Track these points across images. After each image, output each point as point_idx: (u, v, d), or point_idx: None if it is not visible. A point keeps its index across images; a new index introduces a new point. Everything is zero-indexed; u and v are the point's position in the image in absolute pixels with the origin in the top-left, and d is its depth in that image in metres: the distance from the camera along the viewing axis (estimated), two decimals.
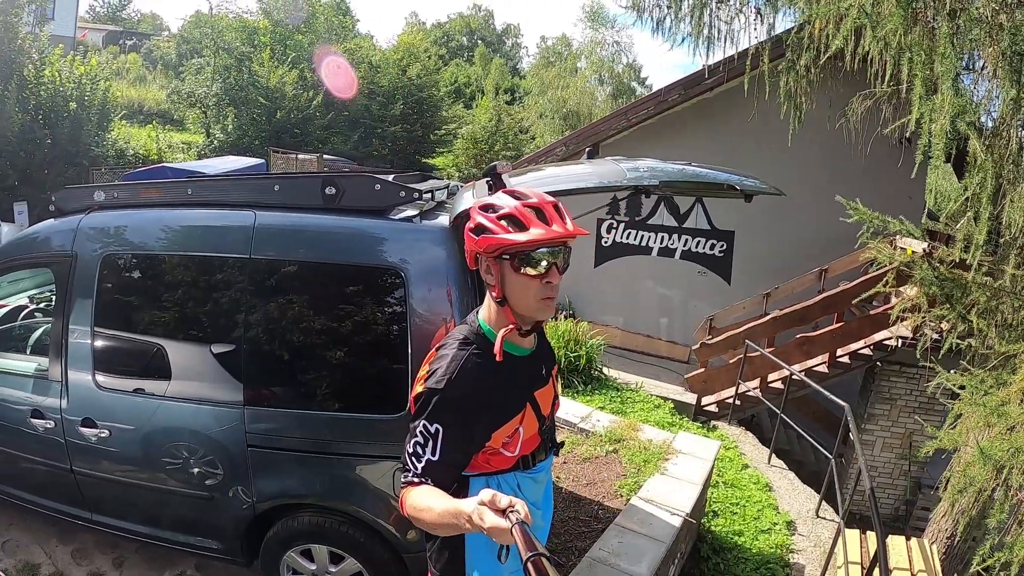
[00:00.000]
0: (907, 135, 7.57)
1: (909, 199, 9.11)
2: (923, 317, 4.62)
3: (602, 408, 6.42)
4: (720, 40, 4.83)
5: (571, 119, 27.08)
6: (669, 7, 5.42)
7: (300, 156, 17.59)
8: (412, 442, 1.52)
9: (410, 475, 1.50)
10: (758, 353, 7.46)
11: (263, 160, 15.99)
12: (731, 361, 8.12)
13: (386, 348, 2.63)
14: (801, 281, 9.03)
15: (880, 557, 3.21)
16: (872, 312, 7.54)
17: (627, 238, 10.92)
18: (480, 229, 1.52)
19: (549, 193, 1.63)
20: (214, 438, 2.80)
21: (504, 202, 1.53)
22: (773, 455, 6.47)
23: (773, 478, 5.93)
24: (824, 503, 5.46)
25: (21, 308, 3.99)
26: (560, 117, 27.47)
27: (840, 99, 6.47)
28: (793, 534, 4.98)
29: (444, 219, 2.66)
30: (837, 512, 5.43)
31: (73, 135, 14.32)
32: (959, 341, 4.12)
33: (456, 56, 49.39)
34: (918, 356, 4.43)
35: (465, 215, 2.45)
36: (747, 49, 5.26)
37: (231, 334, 2.79)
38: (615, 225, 10.86)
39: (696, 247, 10.69)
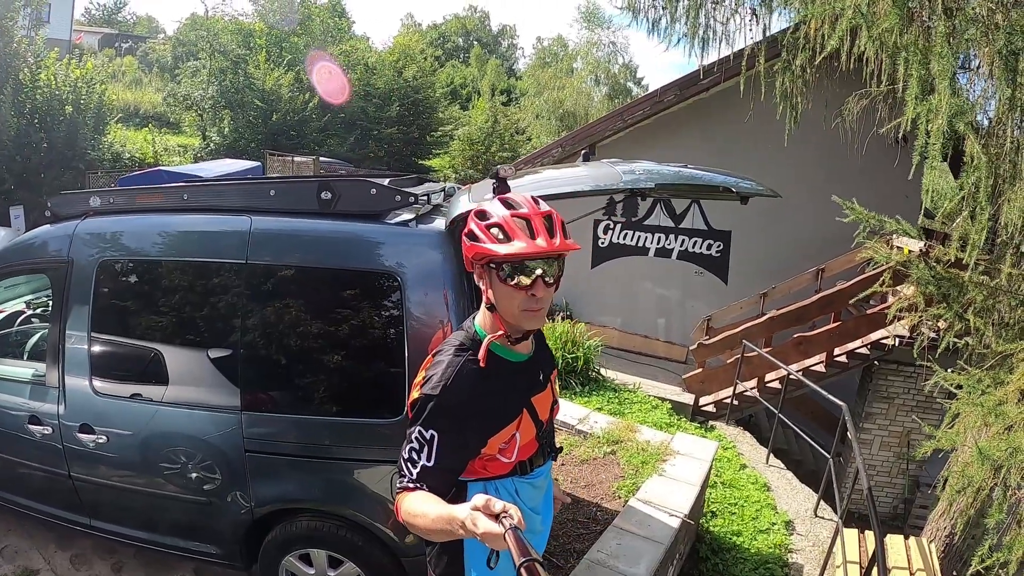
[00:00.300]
0: (903, 135, 7.60)
1: (906, 198, 9.12)
2: (920, 316, 4.64)
3: (600, 409, 6.42)
4: (716, 41, 4.84)
5: (567, 120, 27.12)
6: (664, 8, 5.43)
7: (296, 159, 17.56)
8: (408, 448, 1.52)
9: (405, 480, 1.50)
10: (755, 353, 7.46)
11: (259, 163, 15.95)
12: (729, 361, 8.12)
13: (383, 352, 2.62)
14: (798, 281, 9.05)
15: (878, 557, 3.22)
16: (869, 311, 7.56)
17: (624, 239, 10.93)
18: (471, 235, 1.53)
19: (545, 197, 1.62)
20: (212, 443, 2.79)
21: (495, 211, 1.52)
22: (771, 455, 6.48)
23: (771, 478, 5.94)
24: (822, 502, 5.47)
25: (17, 314, 3.98)
26: (556, 118, 27.51)
27: (836, 99, 6.48)
28: (791, 534, 4.99)
29: (440, 223, 2.66)
30: (835, 511, 5.44)
31: (69, 139, 14.28)
32: (956, 340, 4.13)
33: (452, 57, 49.41)
34: (915, 355, 4.44)
35: (461, 219, 2.45)
36: (743, 49, 5.28)
37: (228, 339, 2.78)
38: (612, 226, 10.87)
39: (693, 247, 10.70)
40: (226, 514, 2.87)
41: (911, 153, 7.66)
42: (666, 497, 4.00)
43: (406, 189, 2.69)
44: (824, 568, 4.46)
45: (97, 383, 2.98)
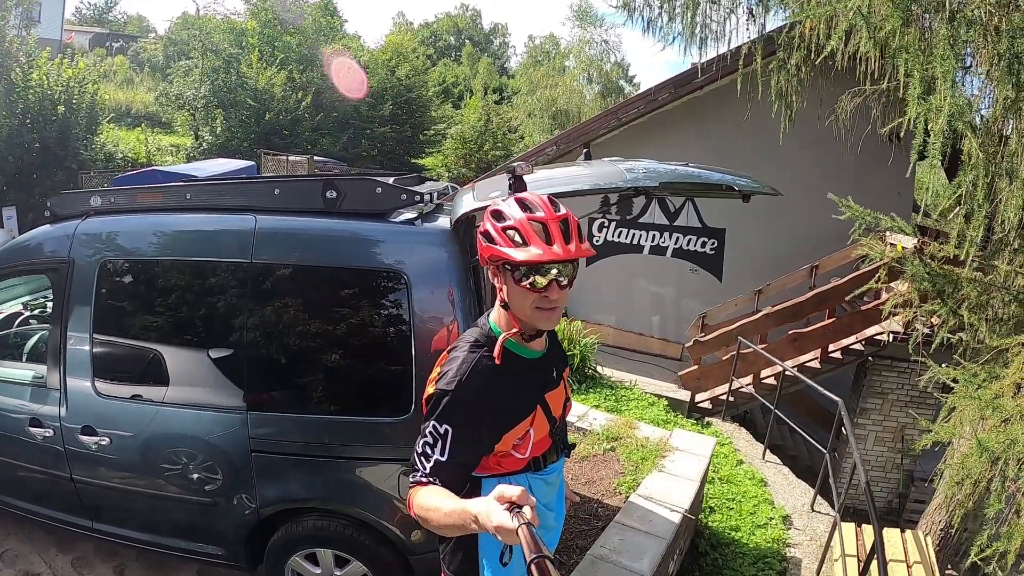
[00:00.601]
0: (896, 133, 7.66)
1: (898, 195, 9.24)
2: (914, 312, 4.68)
3: (597, 407, 6.46)
4: (714, 40, 4.86)
5: (560, 118, 27.12)
6: (661, 7, 5.45)
7: (291, 158, 17.49)
8: (421, 442, 1.53)
9: (418, 475, 1.50)
10: (751, 350, 7.51)
11: (253, 162, 15.90)
12: (724, 358, 8.16)
13: (389, 350, 2.63)
14: (792, 278, 9.09)
15: (878, 549, 3.25)
16: (863, 308, 7.61)
17: (619, 237, 10.96)
18: (487, 236, 1.53)
19: (553, 196, 1.63)
20: (217, 444, 2.79)
21: (511, 212, 1.52)
22: (767, 450, 6.53)
23: (768, 473, 5.98)
24: (819, 497, 5.51)
25: (15, 315, 3.96)
26: (549, 116, 27.50)
27: (830, 97, 6.53)
28: (789, 528, 5.02)
29: (444, 221, 2.67)
30: (832, 506, 5.48)
31: (61, 139, 14.16)
32: (950, 335, 4.17)
33: (444, 56, 49.30)
34: (910, 351, 4.47)
35: (466, 218, 2.47)
36: (739, 48, 5.29)
37: (233, 339, 2.78)
38: (606, 224, 10.90)
39: (687, 245, 10.75)
40: (231, 515, 2.87)
41: (904, 151, 7.73)
42: (666, 493, 4.03)
43: (410, 188, 2.71)
44: (822, 562, 4.50)
45: (99, 384, 2.97)
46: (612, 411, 6.45)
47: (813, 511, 5.37)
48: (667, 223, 10.71)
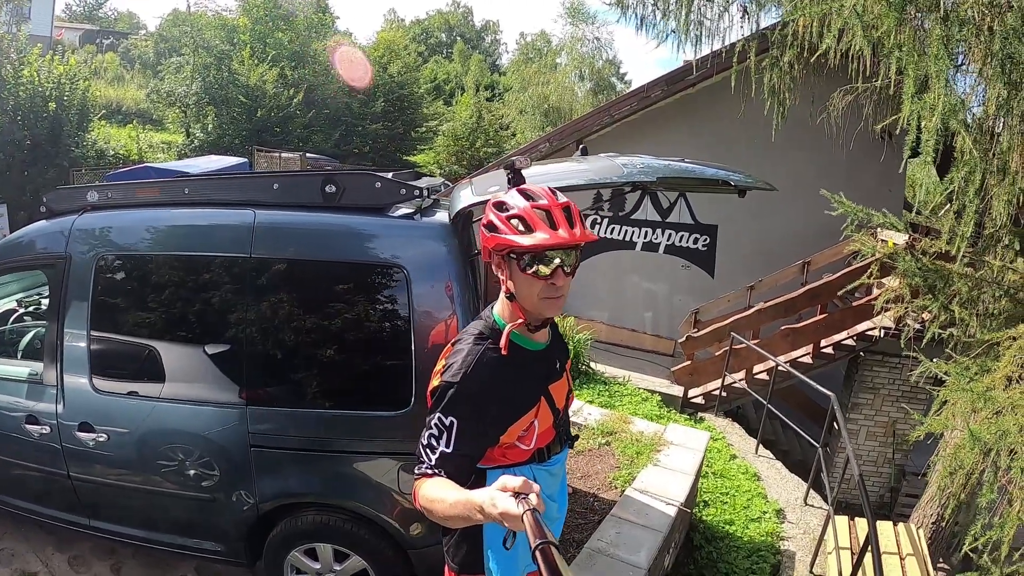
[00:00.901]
0: (887, 130, 7.70)
1: (889, 192, 9.31)
2: (906, 308, 4.72)
3: (591, 402, 6.49)
4: (708, 38, 4.88)
5: (552, 115, 27.10)
6: (654, 4, 5.46)
7: (283, 155, 17.45)
8: (427, 434, 1.54)
9: (424, 467, 1.51)
10: (743, 345, 7.56)
11: (245, 159, 15.84)
12: (717, 353, 8.21)
13: (389, 345, 2.64)
14: (784, 274, 9.15)
15: (872, 541, 3.29)
16: (855, 304, 7.67)
17: (611, 233, 10.99)
18: (491, 227, 1.54)
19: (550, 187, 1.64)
20: (216, 439, 2.78)
21: (515, 202, 1.54)
22: (760, 445, 6.57)
23: (761, 468, 6.03)
24: (811, 491, 5.56)
25: (10, 312, 3.93)
26: (541, 113, 27.48)
27: (822, 94, 6.56)
28: (783, 522, 5.07)
29: (443, 215, 2.69)
30: (825, 500, 5.54)
31: (53, 136, 14.07)
32: (941, 331, 4.22)
33: (435, 53, 49.21)
34: (902, 346, 4.52)
35: (465, 212, 2.48)
36: (733, 45, 5.31)
37: (232, 334, 2.78)
38: (599, 220, 10.93)
39: (680, 241, 10.79)
40: (230, 510, 2.86)
41: (896, 148, 7.77)
42: (662, 486, 4.06)
43: (409, 183, 2.72)
44: (816, 555, 4.55)
45: (97, 381, 2.95)
46: (606, 406, 6.48)
47: (806, 505, 5.42)
48: (659, 219, 10.74)
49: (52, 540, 3.62)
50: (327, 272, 2.69)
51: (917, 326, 5.41)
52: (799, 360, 7.98)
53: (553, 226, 1.50)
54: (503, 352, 1.57)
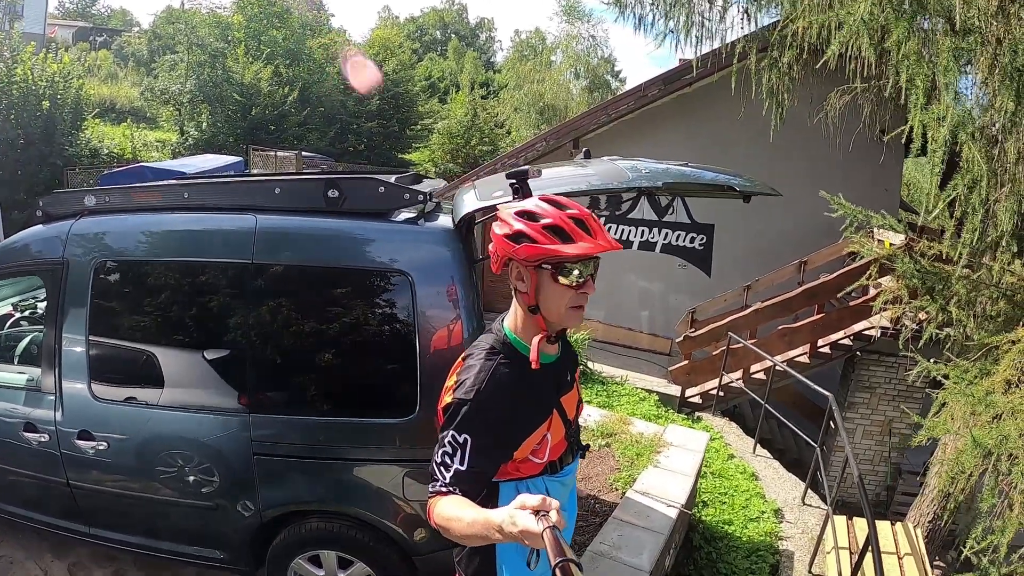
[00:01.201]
0: (884, 130, 7.73)
1: (885, 191, 9.34)
2: (903, 309, 4.74)
3: (589, 402, 6.50)
4: (709, 38, 4.88)
5: (547, 113, 27.05)
6: (653, 4, 5.46)
7: (279, 153, 17.38)
8: (440, 452, 1.52)
9: (438, 484, 1.49)
10: (741, 345, 7.57)
11: (241, 158, 15.76)
12: (714, 353, 8.23)
13: (394, 351, 2.62)
14: (781, 273, 9.16)
15: (872, 542, 3.30)
16: (852, 303, 7.70)
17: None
18: (519, 236, 1.51)
19: (563, 195, 1.63)
20: (218, 447, 2.76)
21: (546, 211, 1.52)
22: (757, 445, 6.60)
23: (758, 467, 6.05)
24: (809, 491, 5.58)
25: (6, 317, 3.88)
26: (536, 111, 27.40)
27: (819, 95, 6.58)
28: (781, 522, 5.08)
29: (446, 220, 2.67)
30: (823, 500, 5.56)
31: (46, 135, 13.97)
32: (938, 331, 4.24)
33: (430, 50, 49.12)
34: (900, 346, 4.54)
35: (470, 217, 2.47)
36: (733, 45, 5.31)
37: (235, 341, 2.75)
38: (596, 213, 10.91)
39: (676, 241, 10.78)
40: (233, 518, 2.84)
41: (893, 148, 7.78)
42: (662, 488, 4.06)
43: (412, 187, 2.70)
44: (814, 554, 4.57)
45: (96, 388, 2.91)
46: (604, 407, 6.50)
47: (804, 504, 5.44)
48: (656, 219, 10.74)
49: (50, 547, 3.58)
50: (330, 278, 2.67)
51: (914, 326, 5.44)
52: (796, 359, 8.00)
53: (590, 234, 1.49)
54: (534, 366, 1.55)
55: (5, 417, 3.07)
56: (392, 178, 2.84)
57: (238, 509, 2.81)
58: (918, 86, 2.69)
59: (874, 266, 4.78)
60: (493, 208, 2.38)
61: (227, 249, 2.74)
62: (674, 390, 8.25)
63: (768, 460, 6.35)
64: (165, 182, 3.47)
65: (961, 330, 4.08)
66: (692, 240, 10.74)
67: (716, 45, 5.40)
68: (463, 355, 1.65)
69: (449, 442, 1.51)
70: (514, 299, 1.61)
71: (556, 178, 2.43)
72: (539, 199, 1.56)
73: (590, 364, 7.75)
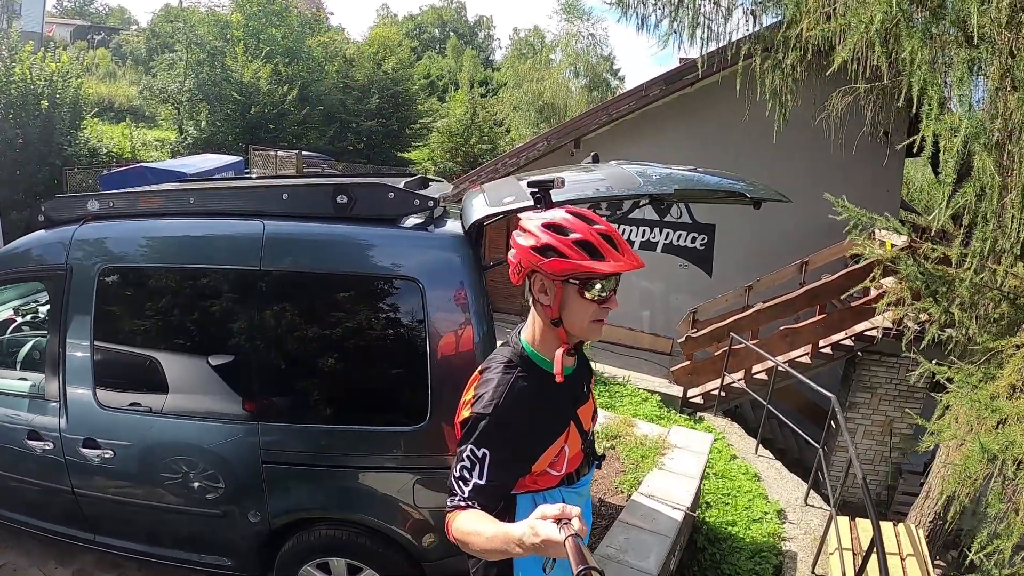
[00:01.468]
0: (885, 130, 7.73)
1: (887, 192, 9.35)
2: (906, 310, 4.75)
3: None
4: (714, 39, 4.88)
5: (546, 111, 27.03)
6: (655, 4, 5.46)
7: (279, 153, 17.34)
8: (459, 466, 1.51)
9: (457, 499, 1.49)
10: (742, 345, 7.58)
11: (241, 158, 15.71)
12: (716, 353, 8.24)
13: (404, 359, 2.61)
14: (782, 273, 9.17)
15: (877, 543, 3.31)
16: (854, 304, 7.71)
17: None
18: (549, 250, 1.49)
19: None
20: (226, 455, 2.74)
21: (576, 225, 1.51)
22: (759, 445, 6.61)
23: (761, 468, 6.06)
24: (811, 491, 5.59)
25: (8, 322, 3.84)
26: (535, 110, 27.38)
27: (821, 95, 6.59)
28: (784, 522, 5.09)
29: (455, 225, 2.66)
30: (825, 500, 5.57)
31: (45, 135, 13.88)
32: (940, 332, 4.25)
33: (429, 48, 49.08)
34: (904, 347, 4.55)
35: (479, 224, 2.47)
36: (736, 44, 5.31)
37: (243, 348, 2.73)
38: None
39: (677, 240, 10.79)
40: (241, 526, 2.82)
41: (895, 148, 7.79)
42: (668, 491, 4.07)
43: (421, 192, 2.69)
44: (818, 555, 4.58)
45: (101, 396, 2.88)
46: (607, 407, 6.50)
47: (807, 505, 5.45)
48: (657, 218, 10.74)
49: (54, 554, 3.56)
50: (340, 285, 2.65)
51: (917, 327, 5.46)
52: (798, 360, 8.01)
53: (619, 251, 1.50)
54: (558, 379, 1.54)
55: (8, 424, 3.04)
56: (401, 183, 2.83)
57: (246, 517, 2.79)
58: (932, 97, 2.69)
59: (877, 268, 4.79)
60: (502, 214, 2.38)
61: (235, 255, 2.71)
62: (676, 390, 8.26)
63: (770, 460, 6.36)
64: (170, 187, 3.44)
65: (963, 332, 4.10)
66: (693, 240, 10.74)
67: (720, 46, 5.39)
68: (480, 369, 1.65)
69: (468, 456, 1.50)
70: (532, 312, 1.61)
71: (577, 180, 2.41)
72: (566, 212, 1.55)
73: (592, 364, 7.74)
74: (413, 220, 2.68)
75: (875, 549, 3.37)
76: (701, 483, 4.68)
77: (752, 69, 5.15)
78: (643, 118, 10.20)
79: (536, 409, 1.56)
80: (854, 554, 4.36)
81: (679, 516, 3.81)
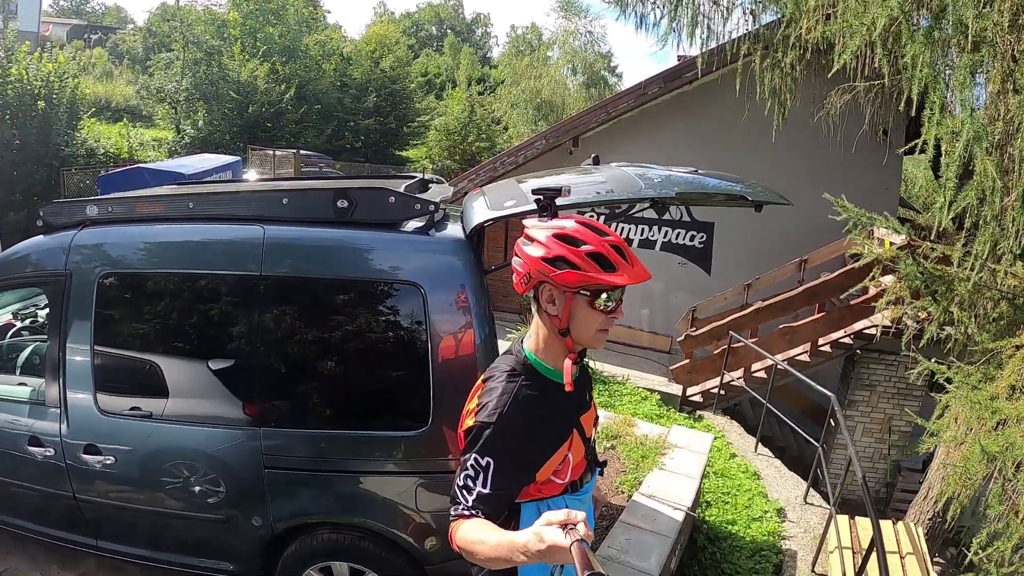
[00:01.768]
0: (884, 128, 7.74)
1: (885, 190, 9.36)
2: (905, 309, 4.76)
3: None
4: (714, 38, 4.88)
5: (544, 109, 26.97)
6: (655, 3, 5.46)
7: (277, 152, 17.33)
8: (463, 475, 1.50)
9: (460, 508, 1.48)
10: (742, 344, 7.59)
11: (239, 157, 15.69)
12: (715, 352, 8.24)
13: (406, 363, 2.61)
14: (781, 272, 9.18)
15: (877, 542, 3.31)
16: (853, 303, 7.72)
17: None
18: (561, 262, 1.48)
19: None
20: (228, 460, 2.74)
21: (587, 236, 1.50)
22: (759, 443, 6.62)
23: (760, 466, 6.07)
24: (811, 490, 5.60)
25: (7, 327, 3.82)
26: (533, 107, 27.30)
27: (820, 94, 6.59)
28: (783, 521, 5.11)
29: (456, 229, 2.66)
30: (824, 498, 5.59)
31: (42, 135, 13.86)
32: (939, 331, 4.26)
33: (426, 46, 49.01)
34: (903, 346, 4.56)
35: (480, 228, 2.47)
36: (735, 42, 5.31)
37: (244, 353, 2.73)
38: (595, 217, 10.90)
39: (676, 239, 10.79)
40: (243, 531, 2.82)
41: (893, 147, 7.80)
42: (668, 491, 4.08)
43: (422, 196, 2.69)
44: (817, 554, 4.59)
45: (102, 401, 2.88)
46: (607, 407, 6.51)
47: (806, 503, 5.46)
48: (656, 217, 10.69)
49: (56, 559, 3.55)
50: (341, 290, 2.65)
51: (916, 326, 5.47)
52: (797, 358, 8.02)
53: (628, 262, 1.49)
54: (568, 388, 1.54)
55: (9, 430, 3.03)
56: (402, 186, 2.82)
57: (249, 521, 2.80)
58: (934, 101, 2.70)
59: (877, 267, 4.79)
60: (503, 218, 2.39)
61: (236, 260, 2.71)
62: (675, 389, 8.26)
63: (770, 459, 6.37)
64: (170, 192, 3.43)
65: (963, 331, 4.11)
66: (692, 238, 10.74)
67: (719, 44, 5.39)
68: (483, 377, 1.65)
69: (472, 465, 1.50)
70: (536, 320, 1.60)
71: (578, 183, 2.41)
72: (576, 222, 1.53)
73: (591, 363, 7.75)
74: (414, 224, 2.68)
75: (875, 548, 3.38)
76: (701, 483, 4.69)
77: (751, 68, 5.14)
78: (642, 116, 10.20)
79: (540, 418, 1.56)
80: (854, 552, 4.37)
81: (680, 516, 3.82)
